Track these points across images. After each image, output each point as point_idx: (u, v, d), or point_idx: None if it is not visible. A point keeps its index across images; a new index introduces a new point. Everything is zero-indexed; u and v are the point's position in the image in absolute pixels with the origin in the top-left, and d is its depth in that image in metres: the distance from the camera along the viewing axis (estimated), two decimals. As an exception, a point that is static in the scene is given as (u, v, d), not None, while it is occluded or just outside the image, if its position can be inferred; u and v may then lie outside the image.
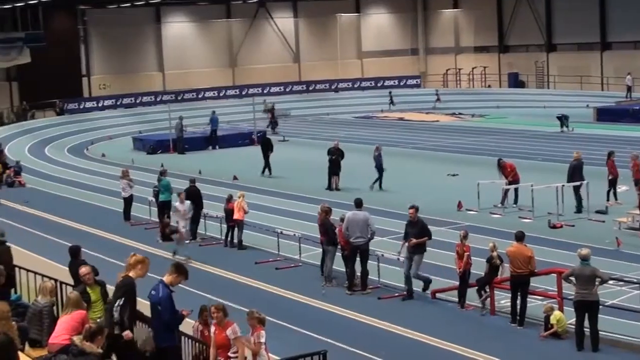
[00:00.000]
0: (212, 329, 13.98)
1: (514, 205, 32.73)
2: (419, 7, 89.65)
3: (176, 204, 27.96)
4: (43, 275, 17.68)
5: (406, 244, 22.76)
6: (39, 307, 14.66)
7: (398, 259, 23.22)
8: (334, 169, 38.68)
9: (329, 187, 38.40)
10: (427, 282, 22.66)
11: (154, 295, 13.44)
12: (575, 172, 32.33)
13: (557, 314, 19.29)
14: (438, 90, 77.58)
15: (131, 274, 13.52)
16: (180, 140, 54.57)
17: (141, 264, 13.58)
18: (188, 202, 28.09)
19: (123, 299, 13.32)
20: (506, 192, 32.83)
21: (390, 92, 75.91)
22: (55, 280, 16.67)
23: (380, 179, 38.00)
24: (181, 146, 54.29)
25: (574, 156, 33.04)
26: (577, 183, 31.91)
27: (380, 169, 38.07)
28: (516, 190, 33.12)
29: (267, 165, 43.61)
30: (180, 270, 13.69)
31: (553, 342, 18.99)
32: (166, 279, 13.53)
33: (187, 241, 28.03)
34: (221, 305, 13.96)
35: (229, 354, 13.83)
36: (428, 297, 22.47)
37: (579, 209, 31.56)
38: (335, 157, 38.74)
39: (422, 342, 19.36)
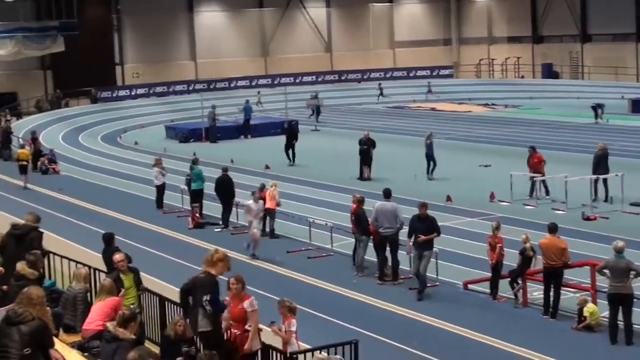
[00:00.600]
0: (227, 300, 13.99)
1: (547, 197, 32.56)
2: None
3: (249, 202, 26.31)
4: (77, 262, 17.81)
5: (411, 241, 22.12)
6: (73, 293, 14.76)
7: (410, 254, 22.59)
8: (365, 159, 38.65)
9: (361, 177, 38.39)
10: (423, 286, 21.89)
11: None
12: (600, 163, 32.39)
13: (590, 306, 19.21)
14: (430, 82, 76.97)
15: (213, 271, 13.50)
16: (212, 128, 54.69)
17: (222, 262, 13.58)
18: (261, 202, 26.70)
19: (210, 295, 13.34)
20: (533, 183, 32.74)
21: (379, 84, 75.58)
22: (89, 267, 16.78)
23: (429, 167, 38.11)
24: (214, 135, 54.42)
25: (599, 146, 33.11)
26: (604, 176, 31.83)
27: (430, 157, 38.10)
28: (544, 182, 32.95)
29: (293, 154, 43.93)
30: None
31: (586, 335, 18.93)
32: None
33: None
34: (240, 277, 13.91)
35: (247, 327, 13.81)
36: (460, 287, 22.42)
37: (607, 199, 31.63)
38: (367, 147, 38.68)
39: (453, 332, 19.32)
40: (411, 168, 39.56)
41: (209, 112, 54.77)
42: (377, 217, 23.28)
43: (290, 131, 45.57)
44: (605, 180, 31.84)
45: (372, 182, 36.98)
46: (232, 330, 13.93)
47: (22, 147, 43.38)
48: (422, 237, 21.57)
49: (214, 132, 54.62)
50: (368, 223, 23.72)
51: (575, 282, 21.01)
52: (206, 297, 13.29)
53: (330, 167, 41.91)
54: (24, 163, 39.99)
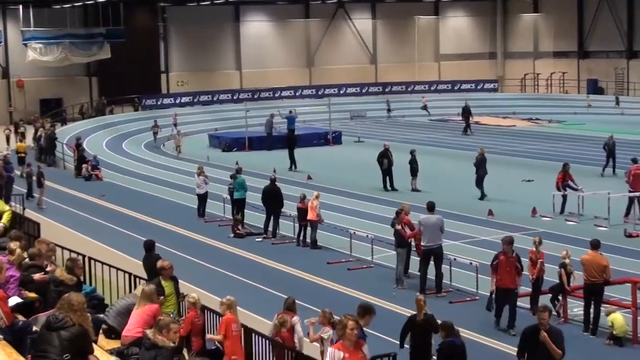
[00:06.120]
0: None
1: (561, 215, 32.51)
2: (498, 10, 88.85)
3: None
4: (118, 269, 17.92)
5: None
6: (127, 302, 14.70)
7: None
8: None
9: (391, 187, 39.12)
10: None
11: None
12: (480, 166, 36.37)
13: (613, 316, 19.09)
14: (389, 100, 76.18)
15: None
16: (270, 137, 54.90)
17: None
18: None
19: None
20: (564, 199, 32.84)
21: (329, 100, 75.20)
22: (130, 274, 16.86)
23: (607, 164, 40.73)
24: (270, 143, 54.56)
25: (479, 152, 36.80)
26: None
27: (610, 155, 40.79)
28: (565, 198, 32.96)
29: (292, 160, 46.36)
30: (368, 311, 13.73)
31: (623, 350, 18.75)
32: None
33: None
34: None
35: None
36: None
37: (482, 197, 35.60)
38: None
39: (493, 347, 19.24)
40: (453, 181, 39.48)
41: (267, 120, 54.92)
42: (421, 230, 23.39)
43: (289, 138, 48.45)
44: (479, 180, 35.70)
45: (414, 194, 36.91)
46: None
47: (20, 140, 50.99)
48: (545, 335, 15.01)
49: (271, 141, 54.80)
50: (401, 235, 23.84)
51: (616, 299, 20.84)
52: None
53: (371, 178, 41.72)
54: (22, 155, 45.89)
